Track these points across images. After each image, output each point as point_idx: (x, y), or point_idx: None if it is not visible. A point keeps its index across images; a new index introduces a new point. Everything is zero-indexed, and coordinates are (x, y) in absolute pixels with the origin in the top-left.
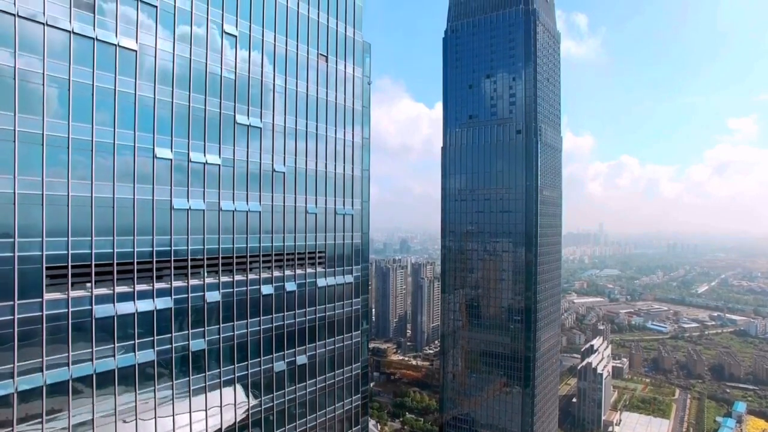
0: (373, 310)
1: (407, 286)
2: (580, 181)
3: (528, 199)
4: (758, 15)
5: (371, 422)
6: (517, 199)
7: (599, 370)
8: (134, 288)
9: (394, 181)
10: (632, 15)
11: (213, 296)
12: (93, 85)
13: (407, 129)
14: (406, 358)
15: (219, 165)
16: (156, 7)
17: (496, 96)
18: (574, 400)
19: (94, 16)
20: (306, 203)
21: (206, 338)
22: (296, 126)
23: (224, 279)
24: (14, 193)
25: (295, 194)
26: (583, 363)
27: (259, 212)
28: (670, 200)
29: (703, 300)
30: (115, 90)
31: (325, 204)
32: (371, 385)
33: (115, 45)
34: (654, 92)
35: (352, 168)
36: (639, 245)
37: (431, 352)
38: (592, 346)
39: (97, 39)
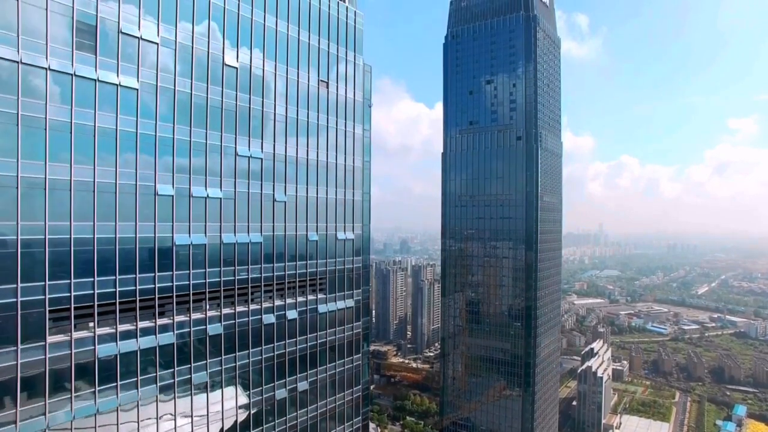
0: (374, 312)
1: (407, 288)
2: (580, 182)
3: (528, 205)
4: (758, 15)
5: (371, 425)
6: (517, 205)
7: (599, 374)
8: (137, 325)
9: (394, 181)
10: (633, 15)
11: (215, 329)
12: (95, 126)
13: (407, 129)
14: (407, 361)
15: (220, 198)
16: (157, 44)
17: (496, 102)
18: (574, 403)
19: (96, 58)
20: (307, 231)
21: (208, 370)
22: (297, 154)
23: (226, 311)
24: (17, 238)
25: (296, 222)
26: (583, 366)
27: (261, 243)
28: (670, 200)
29: (703, 301)
30: (116, 130)
31: (326, 231)
32: (371, 387)
33: (117, 85)
34: (654, 92)
35: (353, 193)
36: (639, 246)
37: (431, 354)
38: (592, 349)
39: (98, 80)
